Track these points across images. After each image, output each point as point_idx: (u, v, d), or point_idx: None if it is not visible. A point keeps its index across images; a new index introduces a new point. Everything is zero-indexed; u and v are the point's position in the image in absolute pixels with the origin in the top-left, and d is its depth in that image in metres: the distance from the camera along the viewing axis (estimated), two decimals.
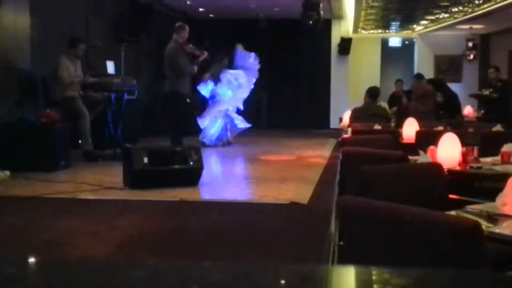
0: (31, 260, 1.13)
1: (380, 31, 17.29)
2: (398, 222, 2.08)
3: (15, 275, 0.99)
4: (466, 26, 15.64)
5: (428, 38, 17.41)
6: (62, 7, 9.44)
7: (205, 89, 11.07)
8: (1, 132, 7.53)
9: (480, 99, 11.75)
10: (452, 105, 10.00)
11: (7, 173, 7.05)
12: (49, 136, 7.64)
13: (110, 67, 10.42)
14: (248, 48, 11.60)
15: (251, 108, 12.43)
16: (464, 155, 4.09)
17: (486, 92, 10.86)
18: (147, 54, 12.77)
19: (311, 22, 12.95)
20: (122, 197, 5.96)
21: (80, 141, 8.52)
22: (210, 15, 15.24)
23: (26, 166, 7.27)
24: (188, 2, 13.47)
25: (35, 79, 8.72)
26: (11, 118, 7.75)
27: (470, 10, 12.98)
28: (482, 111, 10.62)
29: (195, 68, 9.72)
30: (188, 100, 11.49)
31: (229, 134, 11.17)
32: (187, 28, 9.55)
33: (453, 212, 2.53)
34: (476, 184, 4.07)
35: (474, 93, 12.48)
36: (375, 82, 15.46)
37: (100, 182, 6.69)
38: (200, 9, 14.50)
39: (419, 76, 9.87)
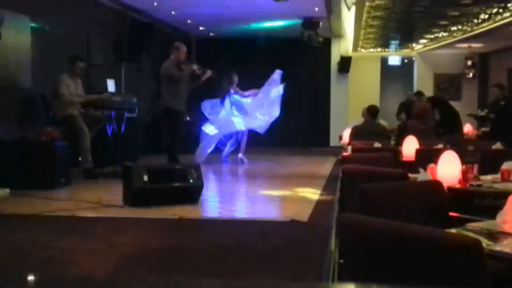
0: (31, 277, 1.13)
1: (379, 49, 17.37)
2: (399, 240, 2.08)
3: None
4: (465, 45, 15.71)
5: (427, 57, 17.48)
6: (63, 26, 9.50)
7: (208, 108, 11.04)
8: (2, 149, 7.54)
9: (476, 119, 11.80)
10: (451, 122, 10.00)
11: (7, 190, 7.05)
12: (49, 154, 7.65)
13: (111, 85, 10.45)
14: (248, 66, 11.63)
15: None
16: (464, 173, 4.09)
17: (483, 113, 10.89)
18: (148, 72, 12.82)
19: (310, 40, 13.05)
20: (122, 215, 5.95)
21: (80, 159, 8.52)
22: (211, 34, 15.31)
23: (26, 184, 7.27)
24: (188, 21, 13.54)
25: (35, 98, 8.75)
26: (12, 136, 7.77)
27: (469, 29, 13.05)
28: (483, 129, 10.63)
29: (197, 83, 9.73)
30: (187, 118, 11.53)
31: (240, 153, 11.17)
32: (182, 48, 9.56)
33: (453, 230, 2.52)
34: (476, 202, 4.07)
35: (471, 113, 12.52)
36: (375, 100, 15.49)
37: (100, 200, 6.68)
38: (201, 28, 14.57)
39: (419, 94, 9.89)
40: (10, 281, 1.06)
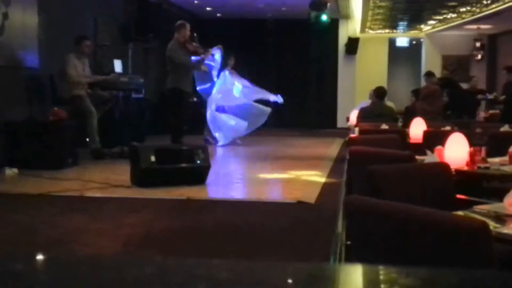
0: (39, 257, 1.14)
1: (387, 31, 17.25)
2: (406, 222, 2.08)
3: (23, 271, 1.00)
4: (474, 26, 15.59)
5: (435, 38, 17.36)
6: (70, 6, 9.47)
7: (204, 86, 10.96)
8: (10, 130, 7.57)
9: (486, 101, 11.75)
10: (459, 105, 9.97)
11: (15, 170, 7.09)
12: (56, 134, 7.67)
13: (118, 66, 10.45)
14: (256, 47, 11.57)
15: None
16: (472, 155, 4.07)
17: (491, 96, 10.83)
18: (155, 53, 12.80)
19: (317, 20, 12.98)
20: (129, 195, 5.98)
21: (87, 139, 8.55)
22: (218, 15, 15.25)
23: (34, 164, 7.30)
24: (195, 2, 13.49)
25: (42, 78, 8.76)
26: (19, 116, 7.79)
27: (478, 10, 12.94)
28: (491, 111, 10.59)
29: (198, 63, 9.65)
30: (195, 99, 11.50)
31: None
32: (188, 26, 9.53)
33: (460, 212, 2.52)
34: (484, 184, 4.07)
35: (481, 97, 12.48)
36: (382, 82, 15.43)
37: (107, 180, 6.71)
38: (208, 9, 14.51)
39: (429, 74, 9.85)
40: (19, 261, 1.07)
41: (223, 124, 10.83)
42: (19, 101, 8.06)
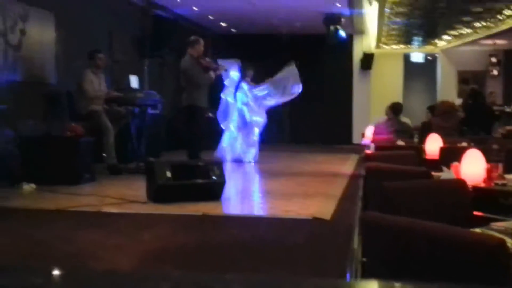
0: (56, 271, 1.15)
1: (402, 46, 17.24)
2: (422, 239, 2.07)
3: (41, 286, 1.01)
4: (490, 42, 15.53)
5: (451, 54, 17.31)
6: (87, 22, 9.58)
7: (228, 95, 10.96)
8: (27, 146, 7.64)
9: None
10: (478, 119, 9.93)
11: (33, 186, 7.14)
12: (73, 150, 7.73)
13: (134, 81, 10.53)
14: (270, 63, 11.59)
15: (273, 123, 12.43)
16: (489, 171, 4.05)
17: (510, 109, 10.77)
18: (170, 68, 12.88)
19: (332, 36, 13.02)
20: (145, 211, 5.99)
21: (104, 155, 8.60)
22: (232, 30, 15.33)
23: (51, 180, 7.35)
24: (210, 17, 13.58)
25: (60, 94, 8.85)
26: (37, 132, 7.86)
27: (493, 25, 12.91)
28: (507, 127, 10.51)
29: (212, 76, 9.66)
30: (210, 114, 11.53)
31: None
32: (201, 41, 9.55)
33: (477, 229, 2.50)
34: (501, 201, 4.03)
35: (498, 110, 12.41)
36: (398, 97, 15.38)
37: (124, 195, 6.73)
38: (223, 24, 14.60)
39: (464, 82, 9.85)
40: (35, 275, 1.08)
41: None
42: (37, 117, 8.14)
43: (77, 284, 1.06)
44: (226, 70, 10.07)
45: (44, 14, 8.59)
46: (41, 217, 5.70)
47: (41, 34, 8.54)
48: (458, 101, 12.53)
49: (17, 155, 7.53)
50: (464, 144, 6.52)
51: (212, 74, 9.52)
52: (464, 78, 17.19)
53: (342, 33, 13.45)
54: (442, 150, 6.08)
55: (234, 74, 10.77)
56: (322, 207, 6.25)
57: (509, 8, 10.98)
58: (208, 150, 10.26)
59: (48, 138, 7.82)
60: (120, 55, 10.76)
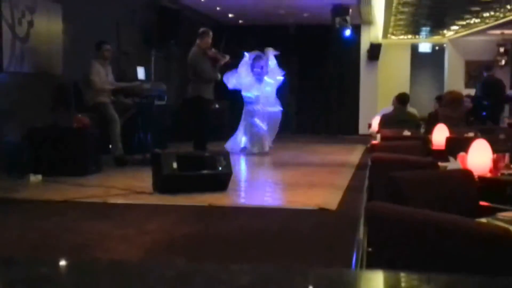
0: (64, 262, 1.16)
1: (410, 36, 17.15)
2: (427, 228, 2.07)
3: (48, 276, 1.02)
4: (498, 32, 15.44)
5: (458, 44, 17.22)
6: (94, 14, 9.58)
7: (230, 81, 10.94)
8: (34, 137, 7.67)
9: None
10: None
11: (39, 177, 7.17)
12: (80, 141, 7.76)
13: (141, 72, 10.53)
14: (278, 53, 11.56)
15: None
16: (495, 161, 4.03)
17: None
18: (177, 59, 12.87)
19: (339, 26, 12.96)
20: (151, 202, 6.01)
21: (110, 146, 8.62)
22: (240, 21, 15.29)
23: (57, 171, 7.38)
24: (217, 8, 13.55)
25: (67, 85, 8.86)
26: (44, 123, 7.88)
27: (501, 15, 12.82)
28: None
29: (218, 74, 9.69)
30: (216, 106, 11.53)
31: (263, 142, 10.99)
32: (210, 33, 9.53)
33: (484, 219, 2.50)
34: (508, 191, 4.01)
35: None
36: (405, 88, 15.32)
37: (130, 186, 6.75)
38: (230, 15, 14.56)
39: (489, 67, 9.93)
40: (43, 266, 1.09)
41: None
42: (43, 108, 8.16)
43: (82, 275, 1.07)
44: (228, 60, 9.96)
45: (51, 5, 8.59)
46: (48, 208, 5.73)
47: (49, 25, 8.55)
48: (465, 92, 12.48)
49: (24, 146, 7.56)
50: (471, 134, 6.49)
51: (218, 74, 9.57)
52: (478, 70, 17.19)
53: (348, 32, 13.40)
54: (448, 140, 6.06)
55: (272, 62, 10.89)
56: (328, 197, 6.26)
57: None
58: (214, 142, 10.26)
59: (55, 129, 7.85)
60: (127, 46, 10.76)
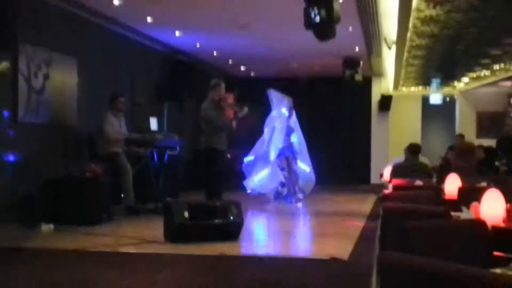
0: None
1: (420, 88, 17.27)
2: (441, 279, 2.05)
3: None
4: (508, 83, 15.52)
5: (469, 95, 17.31)
6: (109, 67, 9.75)
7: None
8: (47, 186, 7.72)
9: None
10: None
11: (51, 226, 7.19)
12: (92, 191, 7.79)
13: (153, 123, 10.63)
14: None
15: None
16: (509, 211, 4.00)
17: None
18: (189, 111, 13.01)
19: (350, 79, 13.09)
20: (162, 251, 5.99)
21: (122, 195, 8.65)
22: (251, 74, 15.49)
23: (69, 220, 7.41)
24: (229, 62, 13.76)
25: (81, 136, 8.97)
26: (57, 173, 7.94)
27: (511, 67, 12.91)
28: None
29: (234, 123, 9.69)
30: (228, 156, 11.56)
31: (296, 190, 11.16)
32: (222, 84, 9.51)
33: (498, 270, 2.48)
34: None
35: None
36: (416, 138, 15.36)
37: (141, 235, 6.75)
38: (242, 68, 14.76)
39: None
40: None
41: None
42: (57, 158, 8.24)
43: None
44: (248, 111, 10.03)
45: (67, 59, 8.77)
46: (58, 257, 5.72)
47: (64, 78, 8.71)
48: (477, 142, 12.47)
49: (37, 196, 7.60)
50: (483, 184, 6.45)
51: (233, 122, 9.58)
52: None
53: (358, 78, 13.52)
54: (460, 190, 6.02)
55: (283, 110, 11.06)
56: (340, 247, 6.22)
57: None
58: (227, 192, 10.25)
59: (68, 179, 7.90)
60: (140, 98, 10.91)
